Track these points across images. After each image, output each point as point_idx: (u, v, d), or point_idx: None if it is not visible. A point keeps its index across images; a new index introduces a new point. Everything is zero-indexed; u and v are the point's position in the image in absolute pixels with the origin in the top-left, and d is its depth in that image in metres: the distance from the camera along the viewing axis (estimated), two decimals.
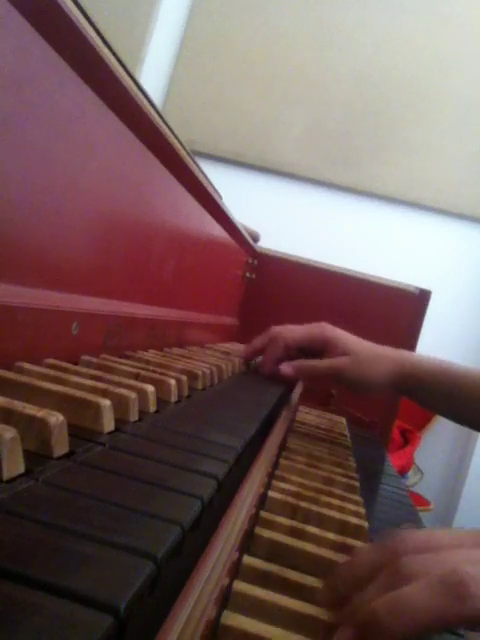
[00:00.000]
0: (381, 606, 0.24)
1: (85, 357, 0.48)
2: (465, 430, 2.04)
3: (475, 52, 2.01)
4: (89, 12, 0.39)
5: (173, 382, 0.47)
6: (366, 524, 0.44)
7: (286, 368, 0.74)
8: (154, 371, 0.50)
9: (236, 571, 0.30)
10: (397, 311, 1.24)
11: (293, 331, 0.78)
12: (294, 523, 0.39)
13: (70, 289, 0.47)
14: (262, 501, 0.42)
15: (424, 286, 1.24)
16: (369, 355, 0.74)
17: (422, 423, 2.01)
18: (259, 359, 0.82)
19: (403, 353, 0.76)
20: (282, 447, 0.60)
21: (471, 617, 0.23)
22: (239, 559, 0.31)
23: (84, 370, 0.43)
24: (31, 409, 0.28)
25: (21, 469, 0.24)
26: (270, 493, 0.43)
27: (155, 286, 0.71)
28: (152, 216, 0.65)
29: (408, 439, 1.96)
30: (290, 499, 0.43)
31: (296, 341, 0.77)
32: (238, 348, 1.00)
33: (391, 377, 0.74)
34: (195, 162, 0.71)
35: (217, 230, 0.94)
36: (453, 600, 0.23)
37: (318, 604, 0.29)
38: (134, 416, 0.38)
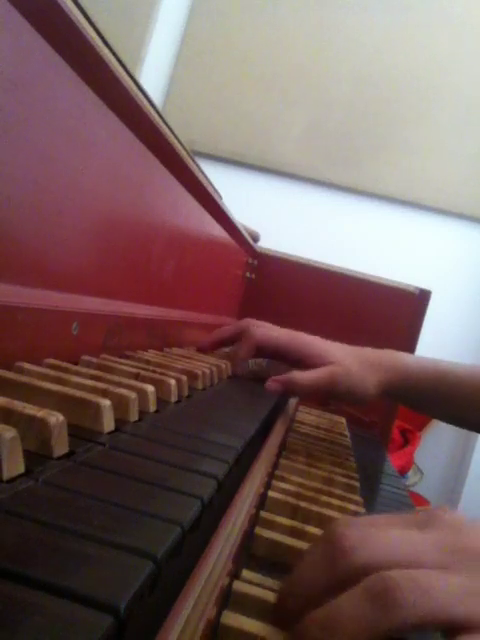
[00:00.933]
0: (314, 622, 0.23)
1: (85, 357, 0.48)
2: (465, 430, 2.04)
3: (475, 52, 2.01)
4: (89, 12, 0.39)
5: (173, 382, 0.47)
6: None
7: (273, 385, 0.65)
8: (154, 371, 0.50)
9: (235, 575, 0.30)
10: (397, 311, 1.24)
11: (267, 333, 0.71)
12: (294, 523, 0.39)
13: (70, 289, 0.47)
14: (262, 501, 0.42)
15: (424, 286, 1.24)
16: (358, 363, 0.68)
17: (422, 423, 2.01)
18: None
19: (392, 357, 0.71)
20: (282, 447, 0.60)
21: (400, 627, 0.21)
22: (237, 562, 0.31)
23: (84, 370, 0.43)
24: (31, 409, 0.28)
25: (21, 469, 0.24)
26: (270, 493, 0.43)
27: (155, 286, 0.71)
28: (152, 216, 0.65)
29: (408, 439, 1.96)
30: (290, 499, 0.43)
31: (268, 343, 0.70)
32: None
33: (383, 385, 0.69)
34: (195, 162, 0.71)
35: (217, 230, 0.94)
36: (380, 610, 0.21)
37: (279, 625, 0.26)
38: (134, 416, 0.38)
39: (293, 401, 0.76)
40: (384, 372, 0.69)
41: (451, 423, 0.78)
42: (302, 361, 0.68)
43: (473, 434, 1.98)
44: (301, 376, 0.66)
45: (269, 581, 0.30)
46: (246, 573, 0.30)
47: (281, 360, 0.72)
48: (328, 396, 0.71)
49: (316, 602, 0.23)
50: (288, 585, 0.25)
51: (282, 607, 0.25)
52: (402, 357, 0.72)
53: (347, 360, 0.67)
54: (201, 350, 0.77)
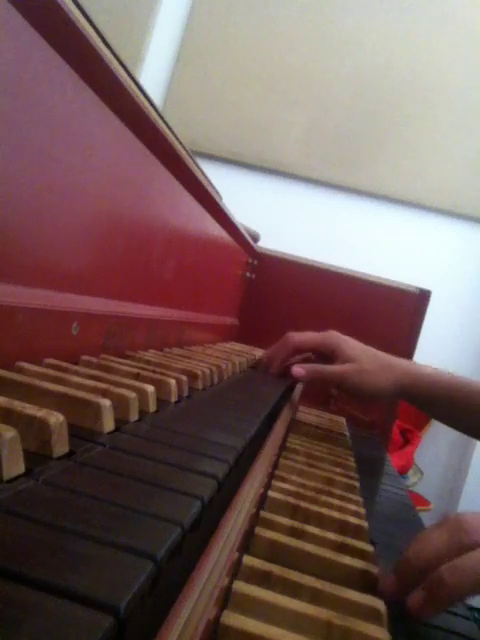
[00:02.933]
0: (445, 570, 0.32)
1: (85, 357, 0.48)
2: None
3: (475, 52, 2.01)
4: (89, 12, 0.39)
5: (173, 382, 0.47)
6: (366, 524, 0.44)
7: (298, 369, 0.77)
8: (154, 371, 0.50)
9: (236, 571, 0.30)
10: (397, 311, 1.24)
11: (304, 335, 0.82)
12: (294, 523, 0.39)
13: (70, 289, 0.47)
14: (262, 501, 0.42)
15: (424, 286, 1.24)
16: (372, 364, 0.76)
17: (422, 423, 2.01)
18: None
19: (408, 364, 0.79)
20: (282, 447, 0.60)
21: None
22: (239, 559, 0.31)
23: (84, 370, 0.43)
24: (31, 409, 0.28)
25: (21, 469, 0.24)
26: (270, 493, 0.43)
27: (155, 286, 0.71)
28: (152, 216, 0.65)
29: (408, 439, 1.96)
30: (290, 499, 0.43)
31: (304, 344, 0.81)
32: (239, 348, 1.00)
33: (394, 387, 0.76)
34: (195, 162, 0.71)
35: (217, 230, 0.94)
36: None
37: (384, 594, 0.34)
38: (134, 416, 0.38)
39: (294, 401, 0.76)
40: (399, 373, 0.76)
41: (463, 432, 0.83)
42: (331, 357, 0.79)
43: None
44: (322, 368, 0.78)
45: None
46: (246, 573, 0.30)
47: (317, 357, 0.82)
48: (342, 389, 0.79)
49: (436, 564, 0.33)
50: (415, 549, 0.35)
51: (407, 565, 0.34)
52: (419, 365, 0.81)
53: (363, 362, 0.77)
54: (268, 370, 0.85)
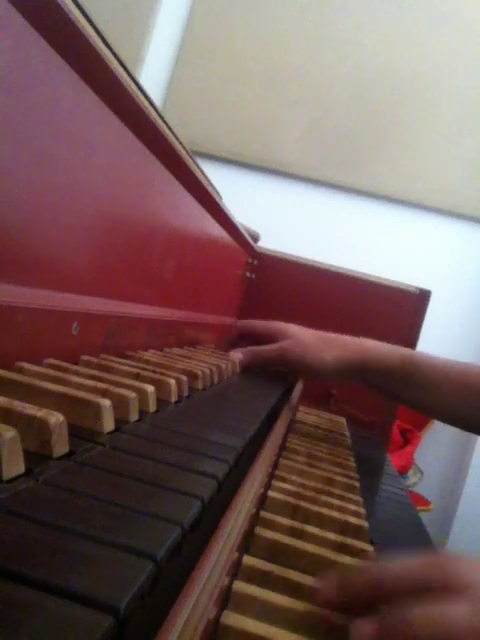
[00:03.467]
0: (419, 618, 0.23)
1: (85, 357, 0.48)
2: (465, 431, 2.03)
3: (475, 52, 2.01)
4: (89, 12, 0.39)
5: (173, 382, 0.47)
6: (366, 524, 0.44)
7: (235, 354, 0.79)
8: (154, 371, 0.50)
9: (236, 571, 0.30)
10: (397, 311, 1.23)
11: (248, 321, 0.87)
12: (294, 523, 0.39)
13: (70, 289, 0.47)
14: (262, 501, 0.42)
15: (424, 286, 1.24)
16: (314, 339, 0.78)
17: (422, 423, 2.01)
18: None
19: (358, 340, 0.78)
20: (282, 447, 0.60)
21: None
22: (239, 559, 0.31)
23: (84, 370, 0.43)
24: (31, 409, 0.28)
25: (21, 469, 0.24)
26: (270, 493, 0.43)
27: (155, 286, 0.71)
28: (152, 216, 0.65)
29: (408, 439, 1.96)
30: (290, 499, 0.43)
31: (247, 327, 0.86)
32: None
33: (338, 361, 0.76)
34: (195, 162, 0.71)
35: (217, 230, 0.94)
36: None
37: (318, 601, 0.28)
38: (134, 416, 0.38)
39: (294, 401, 0.76)
40: (344, 349, 0.76)
41: (414, 409, 0.82)
42: (271, 340, 0.81)
43: (473, 434, 1.98)
44: (259, 348, 0.79)
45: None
46: (246, 573, 0.30)
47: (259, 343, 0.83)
48: (285, 365, 0.80)
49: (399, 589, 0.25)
50: (383, 564, 0.27)
51: (363, 574, 0.27)
52: (370, 341, 0.79)
53: (305, 337, 0.79)
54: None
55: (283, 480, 0.48)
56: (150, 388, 0.41)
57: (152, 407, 0.41)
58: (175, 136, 0.61)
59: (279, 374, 0.82)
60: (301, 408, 0.95)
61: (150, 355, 0.61)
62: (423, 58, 2.01)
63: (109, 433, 0.33)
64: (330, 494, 0.48)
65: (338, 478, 0.54)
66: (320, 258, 1.28)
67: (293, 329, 0.81)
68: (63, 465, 0.26)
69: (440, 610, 0.23)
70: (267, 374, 0.82)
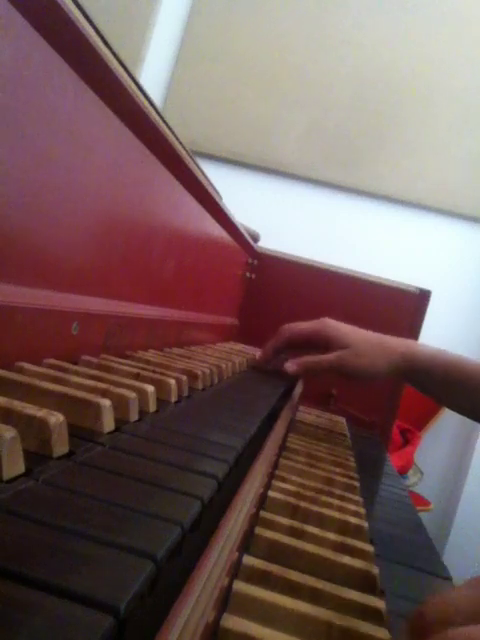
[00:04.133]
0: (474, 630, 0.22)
1: (85, 357, 0.48)
2: (465, 430, 2.04)
3: (475, 52, 2.01)
4: (89, 12, 0.39)
5: (173, 382, 0.47)
6: (366, 524, 0.44)
7: (291, 366, 0.76)
8: (154, 371, 0.50)
9: (236, 571, 0.30)
10: (397, 311, 1.24)
11: (296, 326, 0.80)
12: (294, 523, 0.39)
13: (70, 289, 0.47)
14: (262, 501, 0.42)
15: (424, 286, 1.24)
16: (369, 346, 0.76)
17: (422, 423, 2.01)
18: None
19: (407, 342, 0.78)
20: (282, 447, 0.60)
21: None
22: (239, 559, 0.31)
23: (84, 370, 0.43)
24: (31, 409, 0.28)
25: (21, 469, 0.24)
26: (270, 493, 0.43)
27: (155, 286, 0.71)
28: (152, 216, 0.65)
29: (408, 439, 1.96)
30: (290, 499, 0.43)
31: (297, 335, 0.79)
32: (239, 348, 1.00)
33: (390, 368, 0.76)
34: (195, 162, 0.71)
35: (217, 230, 0.94)
36: None
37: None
38: (134, 416, 0.38)
39: (294, 401, 0.76)
40: (395, 354, 0.76)
41: (460, 413, 0.81)
42: (327, 346, 0.77)
43: (473, 434, 1.98)
44: (315, 359, 0.77)
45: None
46: (246, 573, 0.30)
47: (312, 349, 0.80)
48: (341, 376, 0.77)
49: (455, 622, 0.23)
50: (434, 602, 0.25)
51: (420, 618, 0.25)
52: (418, 343, 0.80)
53: (361, 345, 0.76)
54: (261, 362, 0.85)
55: (283, 480, 0.48)
56: (150, 388, 0.41)
57: (152, 407, 0.41)
58: (175, 136, 0.61)
59: (279, 374, 0.81)
60: (301, 408, 0.95)
61: (150, 355, 0.61)
62: (423, 58, 2.02)
63: (109, 433, 0.33)
64: (330, 494, 0.48)
65: (338, 478, 0.54)
66: (320, 258, 1.28)
67: (343, 334, 0.77)
68: (63, 465, 0.26)
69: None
70: (267, 373, 0.82)
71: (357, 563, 0.36)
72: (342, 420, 1.00)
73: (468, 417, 0.82)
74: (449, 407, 0.83)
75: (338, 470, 0.58)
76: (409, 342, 0.79)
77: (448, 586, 0.45)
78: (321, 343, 0.79)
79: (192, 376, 0.54)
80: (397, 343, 0.77)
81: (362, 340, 0.77)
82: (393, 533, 0.55)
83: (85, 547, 0.19)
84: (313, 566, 0.34)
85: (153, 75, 2.06)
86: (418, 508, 0.78)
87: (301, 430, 0.76)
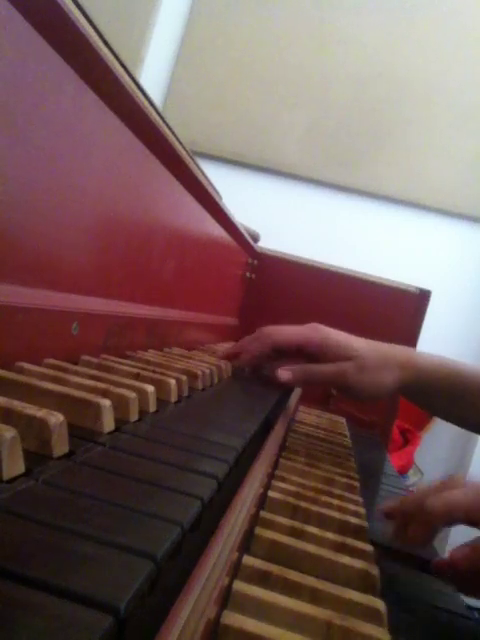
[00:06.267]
0: (431, 500, 0.40)
1: (85, 357, 0.48)
2: (465, 430, 2.03)
3: (475, 52, 2.01)
4: (89, 12, 0.39)
5: (173, 382, 0.47)
6: (366, 524, 0.44)
7: (284, 373, 0.66)
8: (154, 371, 0.50)
9: (236, 571, 0.30)
10: (397, 311, 1.24)
11: (284, 331, 0.71)
12: (294, 523, 0.39)
13: (70, 289, 0.47)
14: (262, 501, 0.42)
15: (424, 286, 1.24)
16: (374, 360, 0.67)
17: (422, 423, 2.01)
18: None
19: (407, 355, 0.70)
20: (282, 447, 0.60)
21: None
22: (239, 559, 0.31)
23: (84, 370, 0.43)
24: (31, 409, 0.28)
25: (21, 469, 0.24)
26: (270, 493, 0.43)
27: (155, 286, 0.71)
28: (152, 216, 0.65)
29: (408, 439, 1.96)
30: (290, 499, 0.43)
31: (286, 342, 0.69)
32: None
33: (395, 384, 0.68)
34: (195, 162, 0.71)
35: (217, 230, 0.94)
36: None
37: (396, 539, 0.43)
38: (134, 416, 0.38)
39: (293, 401, 0.76)
40: (400, 369, 0.68)
41: (458, 425, 0.77)
42: (323, 355, 0.68)
43: (473, 434, 1.98)
44: (314, 368, 0.67)
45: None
46: (246, 573, 0.30)
47: (302, 357, 0.70)
48: (341, 390, 0.69)
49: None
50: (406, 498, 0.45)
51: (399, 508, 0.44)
52: (420, 354, 0.72)
53: (366, 358, 0.67)
54: (225, 358, 0.76)
55: (283, 480, 0.48)
56: (150, 388, 0.41)
57: (152, 407, 0.41)
58: (175, 136, 0.61)
59: (268, 380, 0.78)
60: (301, 408, 0.95)
61: (150, 355, 0.61)
62: (423, 58, 2.01)
63: (109, 433, 0.33)
64: (330, 494, 0.48)
65: (338, 478, 0.54)
66: (320, 258, 1.28)
67: (345, 342, 0.68)
68: (63, 465, 0.26)
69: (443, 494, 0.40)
70: (266, 374, 0.82)
71: (357, 563, 0.36)
72: (342, 420, 1.00)
73: (471, 431, 0.78)
74: (451, 420, 0.76)
75: (338, 470, 0.58)
76: (408, 351, 0.71)
77: (448, 587, 0.45)
78: (313, 352, 0.69)
79: (192, 376, 0.54)
80: (403, 355, 0.69)
81: (365, 352, 0.67)
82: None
83: (85, 547, 0.19)
84: (313, 566, 0.34)
85: (153, 75, 2.06)
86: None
87: (301, 430, 0.76)
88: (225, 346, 0.98)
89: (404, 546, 0.44)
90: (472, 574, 0.38)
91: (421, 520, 0.41)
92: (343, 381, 0.66)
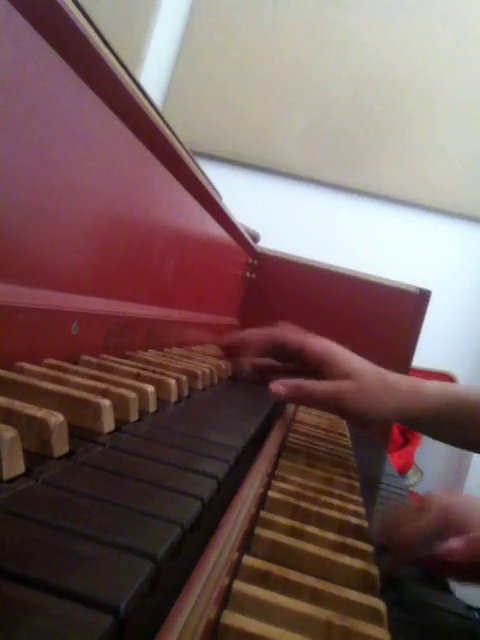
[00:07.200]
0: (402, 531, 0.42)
1: (85, 357, 0.48)
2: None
3: (475, 53, 2.01)
4: (89, 12, 0.39)
5: (173, 382, 0.47)
6: (366, 524, 0.44)
7: (278, 387, 0.62)
8: (154, 371, 0.50)
9: (236, 571, 0.30)
10: (397, 311, 1.24)
11: (286, 331, 0.69)
12: (294, 523, 0.39)
13: (70, 289, 0.47)
14: (262, 501, 0.42)
15: (424, 286, 1.24)
16: (376, 382, 0.63)
17: None
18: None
19: (413, 382, 0.66)
20: (282, 447, 0.60)
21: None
22: (239, 559, 0.31)
23: (84, 370, 0.43)
24: (31, 409, 0.28)
25: (21, 469, 0.24)
26: (270, 493, 0.43)
27: (155, 286, 0.71)
28: (152, 216, 0.65)
29: (408, 439, 1.96)
30: (290, 499, 0.43)
31: (285, 341, 0.67)
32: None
33: (395, 412, 0.64)
34: (195, 162, 0.71)
35: (217, 230, 0.94)
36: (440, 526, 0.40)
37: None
38: (134, 416, 0.38)
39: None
40: (402, 398, 0.64)
41: (460, 447, 0.74)
42: (323, 366, 0.65)
43: None
44: (309, 384, 0.62)
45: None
46: (246, 573, 0.30)
47: (295, 364, 0.69)
48: (337, 411, 0.66)
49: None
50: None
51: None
52: (423, 385, 0.67)
53: (365, 381, 0.63)
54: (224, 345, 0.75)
55: (283, 480, 0.48)
56: (150, 388, 0.41)
57: (152, 407, 0.41)
58: (175, 136, 0.61)
59: (278, 376, 0.77)
60: (301, 408, 0.95)
61: (150, 355, 0.61)
62: (423, 58, 2.01)
63: (109, 433, 0.33)
64: (330, 494, 0.48)
65: (338, 478, 0.54)
66: (320, 258, 1.28)
67: (348, 361, 0.64)
68: (63, 465, 0.26)
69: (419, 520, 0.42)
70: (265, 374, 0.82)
71: (357, 563, 0.36)
72: (342, 420, 1.00)
73: (472, 451, 0.75)
74: (451, 443, 0.72)
75: (338, 470, 0.58)
76: (416, 383, 0.66)
77: (448, 587, 0.45)
78: (311, 362, 0.65)
79: (192, 376, 0.54)
80: (405, 384, 0.65)
81: (367, 373, 0.63)
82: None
83: (85, 547, 0.19)
84: (313, 566, 0.34)
85: (153, 75, 2.06)
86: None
87: (301, 430, 0.76)
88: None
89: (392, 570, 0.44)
90: (469, 565, 0.39)
91: (391, 550, 0.42)
92: (340, 401, 0.62)
